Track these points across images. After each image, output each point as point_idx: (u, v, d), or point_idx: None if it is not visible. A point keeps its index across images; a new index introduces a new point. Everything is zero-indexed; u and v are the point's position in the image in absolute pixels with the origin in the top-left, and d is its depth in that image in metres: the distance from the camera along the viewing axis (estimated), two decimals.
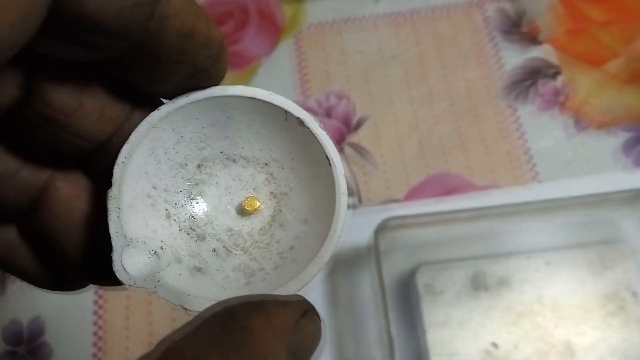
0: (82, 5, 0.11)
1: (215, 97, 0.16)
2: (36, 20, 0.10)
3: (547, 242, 0.31)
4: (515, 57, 0.38)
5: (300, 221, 0.17)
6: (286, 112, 0.16)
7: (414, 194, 0.35)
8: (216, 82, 0.15)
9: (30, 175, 0.15)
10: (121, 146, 0.15)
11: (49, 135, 0.14)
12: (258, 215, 0.17)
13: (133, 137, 0.15)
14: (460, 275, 0.32)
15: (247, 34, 0.40)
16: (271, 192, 0.18)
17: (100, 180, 0.16)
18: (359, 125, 0.37)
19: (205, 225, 0.17)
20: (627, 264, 0.30)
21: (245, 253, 0.17)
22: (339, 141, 0.37)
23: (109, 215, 0.15)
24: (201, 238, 0.17)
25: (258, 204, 0.17)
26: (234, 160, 0.17)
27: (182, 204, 0.17)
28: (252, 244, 0.17)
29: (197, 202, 0.17)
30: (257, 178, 0.18)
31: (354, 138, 0.37)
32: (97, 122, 0.15)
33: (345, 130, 0.37)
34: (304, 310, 0.14)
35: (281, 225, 0.17)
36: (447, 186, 0.35)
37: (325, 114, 0.38)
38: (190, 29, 0.13)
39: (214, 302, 0.14)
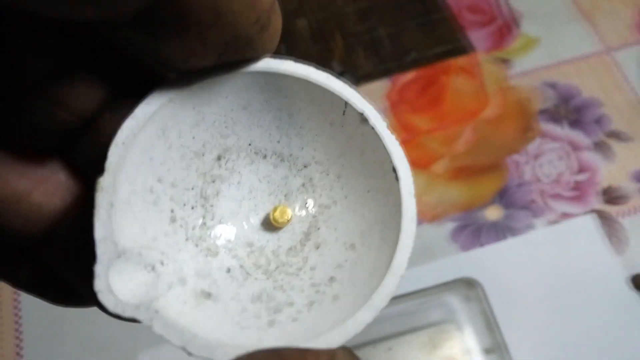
0: None
1: (254, 73, 0.13)
2: None
3: (390, 329, 0.35)
4: None
5: (345, 246, 0.14)
6: (346, 103, 0.13)
7: None
8: (261, 55, 0.12)
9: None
10: (118, 124, 0.12)
11: (20, 106, 0.11)
12: (287, 231, 0.14)
13: (139, 111, 0.12)
14: None
15: None
16: (306, 203, 0.14)
17: (87, 173, 0.12)
18: None
19: (219, 236, 0.14)
20: (452, 341, 0.34)
21: (268, 278, 0.14)
22: None
23: (96, 213, 0.11)
24: (213, 253, 0.14)
25: (290, 215, 0.14)
26: (265, 156, 0.14)
27: (193, 204, 0.13)
28: (277, 267, 0.14)
29: (212, 205, 0.14)
30: (291, 182, 0.14)
31: None
32: (85, 87, 0.11)
33: None
34: None
35: (317, 248, 0.14)
36: None
37: None
38: None
39: (229, 347, 0.11)
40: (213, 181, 0.14)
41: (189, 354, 0.11)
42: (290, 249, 0.14)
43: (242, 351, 0.10)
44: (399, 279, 0.12)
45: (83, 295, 0.13)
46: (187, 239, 0.13)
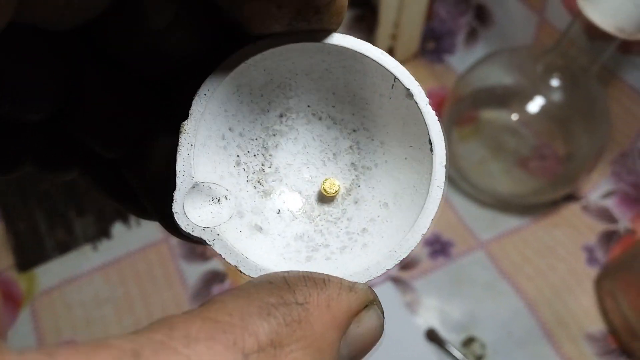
0: None
1: (319, 44, 0.14)
2: None
3: None
4: (195, 273, 0.50)
5: (380, 204, 0.15)
6: (395, 78, 0.14)
7: None
8: (327, 27, 0.14)
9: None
10: (203, 75, 0.14)
11: (146, 43, 0.13)
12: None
13: (220, 70, 0.14)
14: None
15: None
16: (352, 163, 0.16)
17: (173, 107, 0.15)
18: None
19: (274, 181, 0.16)
20: None
21: (311, 222, 0.15)
22: None
23: (179, 149, 0.13)
24: (267, 194, 0.15)
25: (337, 187, 0.15)
26: (320, 118, 0.16)
27: (255, 153, 0.15)
28: (319, 215, 0.16)
29: (271, 155, 0.16)
30: (340, 143, 0.16)
31: None
32: (188, 38, 0.14)
33: None
34: (369, 302, 0.13)
35: (356, 202, 0.16)
36: None
37: None
38: None
39: (273, 271, 0.12)
40: (274, 135, 0.16)
41: (240, 272, 0.13)
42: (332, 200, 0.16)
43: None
44: (421, 237, 0.13)
45: (147, 210, 0.16)
46: (247, 181, 0.15)
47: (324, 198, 0.16)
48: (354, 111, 0.16)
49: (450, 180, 0.55)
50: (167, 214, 0.14)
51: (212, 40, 0.14)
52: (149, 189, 0.15)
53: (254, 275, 0.13)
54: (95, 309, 0.49)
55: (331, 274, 0.13)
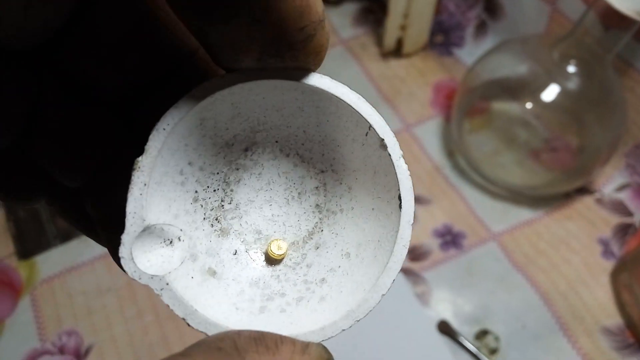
0: None
1: (293, 83, 0.13)
2: None
3: None
4: None
5: (342, 253, 0.15)
6: (370, 126, 0.14)
7: None
8: (303, 66, 0.13)
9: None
10: (160, 109, 0.13)
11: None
12: (293, 226, 0.15)
13: (183, 103, 0.13)
14: None
15: None
16: (317, 205, 0.15)
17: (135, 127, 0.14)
18: (87, 353, 0.45)
19: (232, 219, 0.15)
20: None
21: (268, 265, 0.15)
22: None
23: (130, 188, 0.12)
24: (224, 233, 0.15)
25: (284, 250, 0.15)
26: (288, 155, 0.15)
27: (215, 188, 0.15)
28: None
29: (232, 190, 0.15)
30: (306, 183, 0.15)
31: None
32: (146, 54, 0.13)
33: None
34: None
35: (317, 248, 0.15)
36: None
37: (59, 351, 0.45)
38: None
39: (221, 328, 0.12)
40: (237, 169, 0.15)
41: (188, 325, 0.12)
42: (293, 243, 0.15)
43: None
44: (381, 297, 0.13)
45: (100, 236, 0.15)
46: (204, 218, 0.14)
47: (271, 260, 0.15)
48: (324, 151, 0.15)
49: (461, 171, 0.54)
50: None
51: (176, 64, 0.14)
52: (104, 221, 0.14)
53: (202, 329, 0.12)
54: (96, 298, 0.48)
55: (285, 331, 0.12)
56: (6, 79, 0.13)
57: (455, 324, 0.45)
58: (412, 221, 0.13)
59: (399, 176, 0.14)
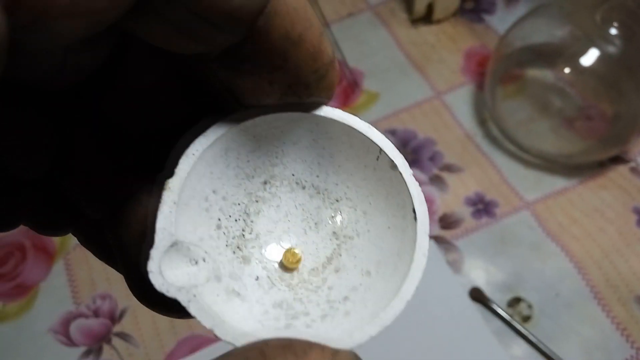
0: None
1: (308, 114, 0.14)
2: None
3: None
4: None
5: (362, 272, 0.15)
6: (380, 150, 0.15)
7: (170, 357, 0.43)
8: (317, 100, 0.14)
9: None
10: (191, 139, 0.14)
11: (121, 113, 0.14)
12: (312, 254, 0.16)
13: (211, 132, 0.14)
14: None
15: (27, 267, 0.49)
16: (334, 232, 0.16)
17: (153, 164, 0.14)
18: (121, 316, 0.45)
19: (253, 248, 0.15)
20: None
21: (290, 290, 0.15)
22: (106, 334, 0.45)
23: (161, 207, 0.13)
24: (246, 261, 0.15)
25: (299, 256, 0.15)
26: (303, 187, 0.16)
27: (237, 218, 0.15)
28: (298, 283, 0.15)
29: (252, 221, 0.16)
30: (322, 212, 0.16)
31: (118, 328, 0.45)
32: (174, 98, 0.14)
33: (110, 324, 0.45)
34: None
35: (337, 271, 0.15)
36: (193, 345, 0.44)
37: (93, 314, 0.46)
38: (299, 34, 0.12)
39: (250, 337, 0.12)
40: (256, 201, 0.15)
41: (216, 336, 0.12)
42: (312, 269, 0.15)
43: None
44: (406, 303, 0.13)
45: (119, 264, 0.15)
46: (227, 245, 0.15)
47: (287, 269, 0.15)
48: (337, 181, 0.16)
49: (493, 139, 0.53)
50: (138, 279, 0.13)
51: (200, 104, 0.15)
52: (123, 250, 0.15)
53: (230, 339, 0.12)
54: None
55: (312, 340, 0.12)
56: (41, 118, 0.13)
57: (487, 291, 0.45)
58: (428, 231, 0.14)
59: (411, 192, 0.14)
